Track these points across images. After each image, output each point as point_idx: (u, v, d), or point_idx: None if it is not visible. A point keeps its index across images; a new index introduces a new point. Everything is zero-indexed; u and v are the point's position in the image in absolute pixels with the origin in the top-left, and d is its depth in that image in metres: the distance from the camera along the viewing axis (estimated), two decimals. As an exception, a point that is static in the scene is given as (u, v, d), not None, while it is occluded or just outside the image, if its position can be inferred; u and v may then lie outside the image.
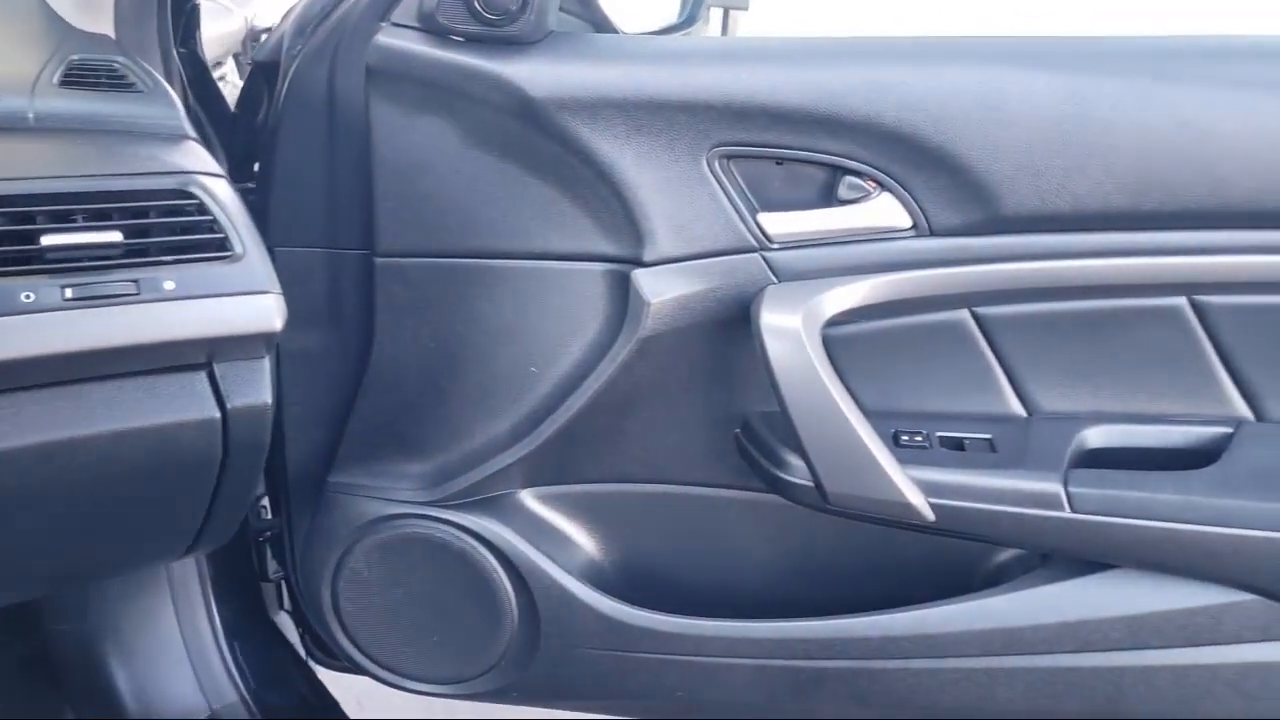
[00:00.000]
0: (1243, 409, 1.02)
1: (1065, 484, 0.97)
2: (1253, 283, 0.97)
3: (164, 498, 0.96)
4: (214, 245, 0.87)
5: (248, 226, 0.90)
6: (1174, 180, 0.94)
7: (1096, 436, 1.03)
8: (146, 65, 1.07)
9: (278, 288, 0.89)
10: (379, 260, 1.08)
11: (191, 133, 0.97)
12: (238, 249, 0.87)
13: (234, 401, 0.90)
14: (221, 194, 0.89)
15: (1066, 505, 0.97)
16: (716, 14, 2.28)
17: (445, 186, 1.05)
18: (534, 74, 1.00)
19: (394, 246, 1.08)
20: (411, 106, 1.03)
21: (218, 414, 0.90)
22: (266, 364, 0.91)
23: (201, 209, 0.87)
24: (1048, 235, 0.98)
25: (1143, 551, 0.98)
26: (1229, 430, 1.01)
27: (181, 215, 0.87)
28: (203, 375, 0.89)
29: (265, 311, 0.88)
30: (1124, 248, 0.98)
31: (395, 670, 1.21)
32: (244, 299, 0.87)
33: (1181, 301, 0.99)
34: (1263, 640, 0.99)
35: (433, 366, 1.11)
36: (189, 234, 0.86)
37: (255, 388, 0.91)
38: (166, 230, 0.86)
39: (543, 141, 1.02)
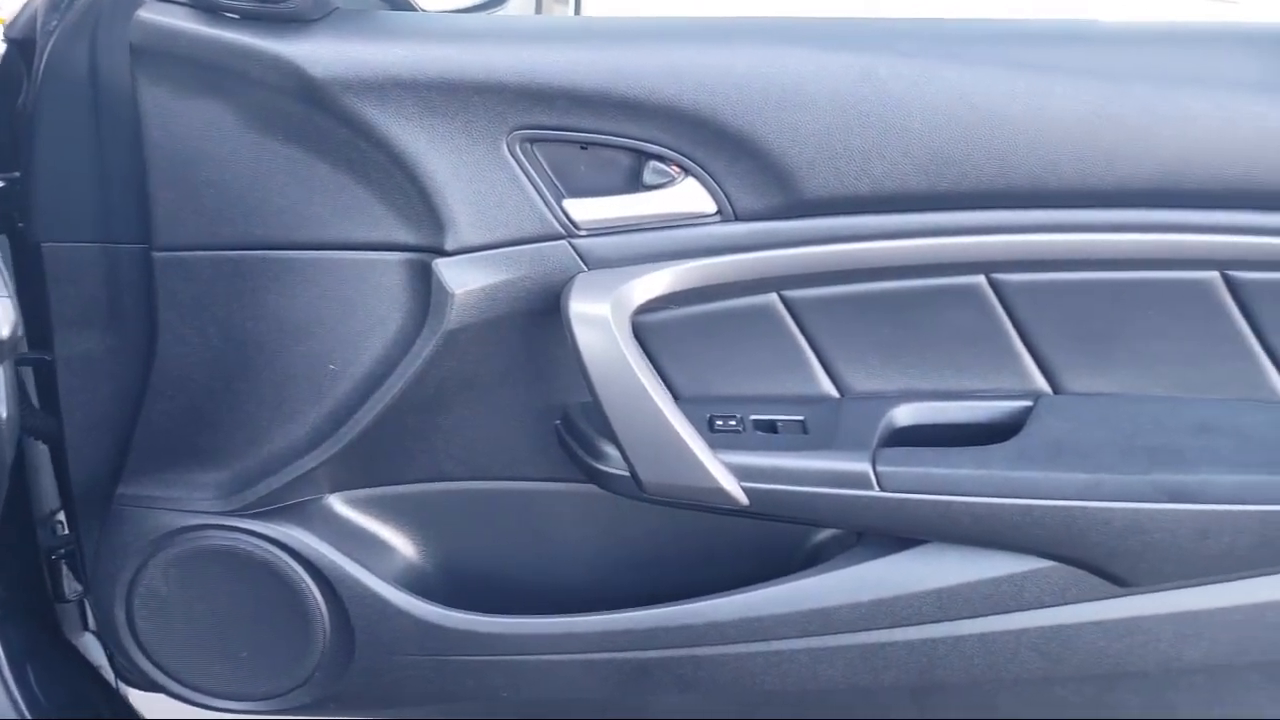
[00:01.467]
0: (1041, 383, 1.06)
1: (873, 463, 0.98)
2: (1043, 260, 1.00)
3: None
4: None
5: None
6: (965, 161, 0.95)
7: (905, 415, 1.05)
8: None
9: (7, 290, 0.80)
10: (158, 255, 1.00)
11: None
12: None
13: None
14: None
15: (875, 484, 0.98)
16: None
17: (226, 174, 0.98)
18: (314, 53, 0.93)
19: (174, 240, 1.00)
20: (183, 88, 0.95)
21: None
22: (1, 373, 0.83)
23: None
24: (850, 217, 0.99)
25: (948, 526, 1.00)
26: (1029, 404, 1.04)
27: None
28: None
29: None
30: (923, 228, 0.99)
31: (202, 690, 1.13)
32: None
33: (980, 280, 1.02)
34: (1062, 604, 1.03)
35: (223, 367, 1.04)
36: None
37: None
38: None
39: (329, 125, 0.95)
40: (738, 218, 0.98)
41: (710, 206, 0.98)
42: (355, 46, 0.94)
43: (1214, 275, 0.99)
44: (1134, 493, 0.97)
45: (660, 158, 0.97)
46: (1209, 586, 1.02)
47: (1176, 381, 1.04)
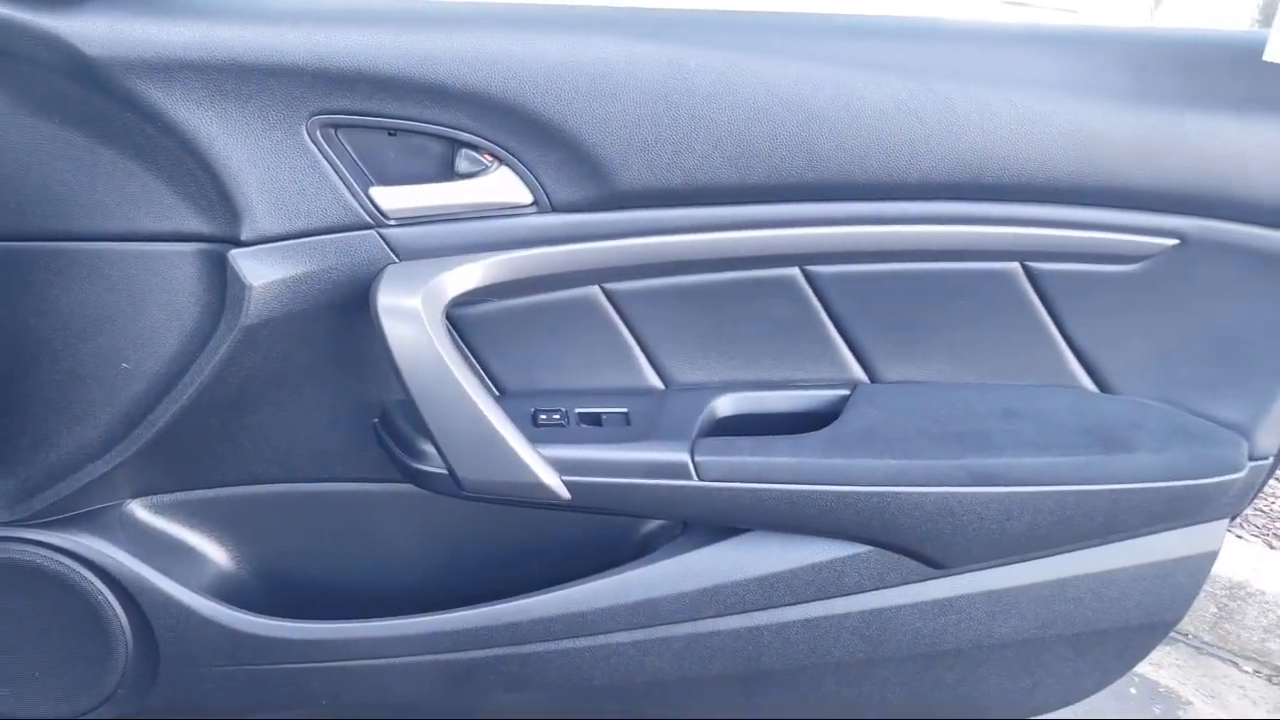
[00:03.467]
0: (858, 372, 1.08)
1: (692, 453, 0.98)
2: (854, 252, 1.02)
3: None
4: None
5: None
6: (774, 154, 0.95)
7: (726, 405, 1.06)
8: None
9: None
10: None
11: None
12: None
13: None
14: None
15: (694, 474, 0.98)
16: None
17: None
18: (89, 30, 0.87)
19: (-58, 230, 0.92)
20: None
21: None
22: None
23: None
24: (665, 210, 0.98)
25: (766, 513, 1.01)
26: (846, 393, 1.06)
27: None
28: None
29: None
30: (737, 221, 0.99)
31: None
32: None
33: (795, 272, 1.03)
34: (879, 588, 1.05)
35: (3, 367, 0.96)
36: None
37: None
38: None
39: (110, 108, 0.89)
40: (554, 209, 0.97)
41: (526, 197, 0.96)
42: (135, 25, 0.88)
43: (1015, 266, 1.03)
44: (944, 477, 1.00)
45: (473, 146, 0.95)
46: (1016, 565, 1.06)
47: (985, 368, 1.07)
